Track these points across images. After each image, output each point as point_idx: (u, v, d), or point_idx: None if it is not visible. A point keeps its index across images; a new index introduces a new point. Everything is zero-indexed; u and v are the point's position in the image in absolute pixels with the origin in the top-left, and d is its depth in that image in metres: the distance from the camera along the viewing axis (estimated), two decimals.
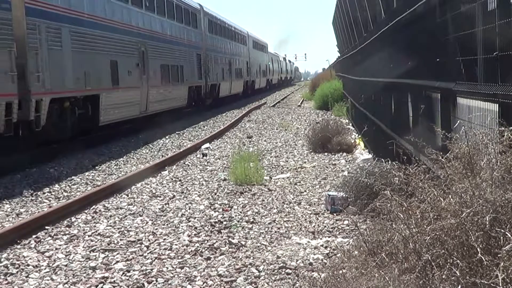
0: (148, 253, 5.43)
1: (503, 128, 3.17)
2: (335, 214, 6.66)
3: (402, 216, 3.34)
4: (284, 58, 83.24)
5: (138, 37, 16.84)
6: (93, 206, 7.49)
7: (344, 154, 11.53)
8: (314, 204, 7.31)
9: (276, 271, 4.84)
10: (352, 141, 12.35)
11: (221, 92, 29.48)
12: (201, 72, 25.05)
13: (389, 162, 6.44)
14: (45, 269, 5.10)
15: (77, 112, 12.92)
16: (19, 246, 5.80)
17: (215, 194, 8.12)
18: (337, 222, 6.36)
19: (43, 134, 11.39)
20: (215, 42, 29.26)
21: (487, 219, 2.79)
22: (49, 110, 11.34)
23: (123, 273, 4.90)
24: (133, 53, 16.49)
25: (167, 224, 6.51)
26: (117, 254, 5.44)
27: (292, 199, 7.65)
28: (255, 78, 43.98)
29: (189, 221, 6.58)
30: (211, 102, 27.34)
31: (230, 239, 5.78)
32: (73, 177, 9.94)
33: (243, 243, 5.67)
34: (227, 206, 7.31)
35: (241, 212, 6.96)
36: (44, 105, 11.11)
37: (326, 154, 11.68)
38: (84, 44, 13.17)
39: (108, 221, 6.74)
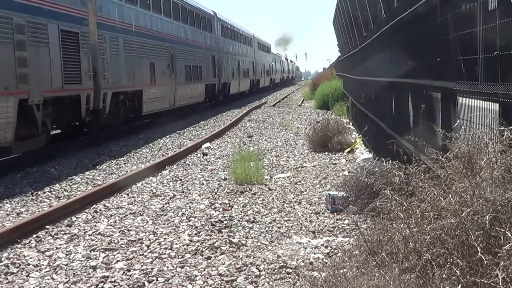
0: (148, 253, 5.44)
1: (503, 128, 3.17)
2: (335, 213, 6.67)
3: (402, 215, 3.34)
4: (286, 58, 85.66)
5: (168, 43, 20.21)
6: (94, 206, 7.49)
7: (345, 153, 11.53)
8: (315, 203, 7.31)
9: (276, 270, 4.84)
10: (353, 141, 12.35)
11: (231, 89, 32.72)
12: (215, 72, 28.33)
13: (390, 161, 6.44)
14: (45, 268, 5.10)
15: (127, 103, 16.34)
16: (19, 246, 5.81)
17: (216, 193, 8.13)
18: (338, 221, 6.36)
19: (105, 120, 14.53)
20: (227, 44, 32.58)
21: (487, 219, 2.80)
22: (110, 101, 14.64)
23: (123, 273, 4.91)
24: (165, 56, 19.78)
25: (167, 224, 6.51)
26: (118, 253, 5.45)
27: (293, 198, 7.65)
28: (260, 77, 46.85)
29: (190, 221, 6.58)
30: (223, 99, 30.53)
31: (230, 238, 5.78)
32: (73, 176, 9.94)
33: (243, 242, 5.68)
34: (228, 205, 7.31)
35: (241, 212, 6.96)
36: (108, 97, 14.45)
37: (326, 153, 11.68)
38: (133, 50, 16.58)
39: (108, 221, 6.74)
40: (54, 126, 13.31)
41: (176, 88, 20.71)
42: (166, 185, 8.95)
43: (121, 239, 5.93)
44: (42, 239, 6.03)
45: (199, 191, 8.35)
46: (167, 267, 5.02)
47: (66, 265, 5.16)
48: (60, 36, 11.90)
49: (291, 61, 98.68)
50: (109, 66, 14.46)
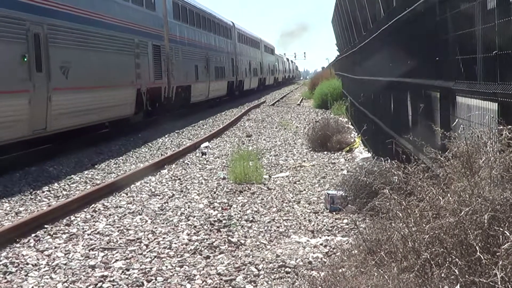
0: (147, 252, 5.44)
1: (501, 127, 3.17)
2: (334, 213, 6.67)
3: (401, 215, 3.34)
4: (287, 59, 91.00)
5: (205, 49, 27.03)
6: (93, 205, 7.49)
7: (344, 153, 11.53)
8: (314, 203, 7.31)
9: (275, 269, 4.84)
10: (352, 140, 12.35)
11: (244, 86, 39.64)
12: (233, 71, 35.11)
13: (388, 161, 6.44)
14: (44, 267, 5.10)
15: (182, 94, 22.23)
16: (18, 245, 5.81)
17: (215, 193, 8.12)
18: (337, 221, 6.36)
19: (171, 105, 20.69)
20: (241, 48, 39.59)
21: (486, 218, 2.80)
22: (175, 92, 20.93)
23: (122, 272, 4.90)
24: (203, 59, 26.41)
25: (166, 223, 6.51)
26: (117, 252, 5.45)
27: (292, 198, 7.65)
28: (266, 76, 53.94)
29: (189, 220, 6.58)
30: (238, 93, 37.01)
31: (229, 237, 5.78)
32: (72, 175, 9.94)
33: (242, 241, 5.68)
34: (227, 205, 7.31)
35: (240, 211, 6.96)
36: (174, 89, 20.81)
37: (325, 153, 11.68)
38: (186, 56, 22.98)
39: (107, 220, 6.74)
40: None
41: (210, 84, 27.28)
42: (165, 185, 8.94)
43: (120, 238, 5.93)
44: (41, 239, 6.03)
45: (198, 191, 8.35)
46: (166, 266, 5.02)
47: (65, 264, 5.16)
48: (152, 48, 18.36)
49: (292, 61, 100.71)
50: (174, 68, 20.82)
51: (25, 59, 10.60)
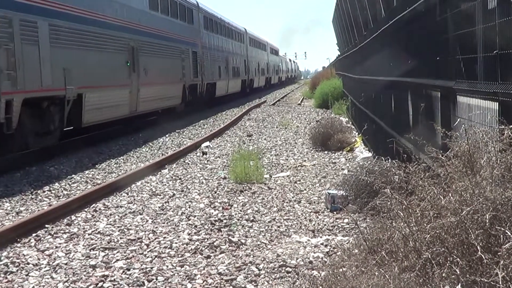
0: (148, 252, 5.44)
1: (503, 126, 3.17)
2: (335, 212, 6.67)
3: (402, 214, 3.34)
4: (290, 59, 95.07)
5: (225, 53, 32.54)
6: (93, 205, 7.49)
7: (344, 152, 11.53)
8: (314, 202, 7.31)
9: (276, 269, 4.84)
10: (353, 140, 12.36)
11: (254, 84, 45.32)
12: (246, 71, 40.58)
13: (389, 160, 6.44)
14: (45, 267, 5.10)
15: (210, 90, 27.22)
16: (19, 245, 5.81)
17: (215, 192, 8.12)
18: (337, 220, 6.36)
19: (202, 99, 25.49)
20: (251, 51, 45.17)
21: (487, 217, 2.79)
22: (205, 88, 26.05)
23: (123, 272, 4.90)
24: (224, 61, 31.81)
25: (167, 223, 6.51)
26: (117, 252, 5.45)
27: (292, 197, 7.65)
28: (271, 75, 59.61)
29: (189, 220, 6.58)
30: (249, 91, 41.83)
31: (230, 237, 5.78)
32: (73, 175, 9.94)
33: (243, 241, 5.68)
34: (227, 204, 7.31)
35: (241, 211, 6.96)
36: (205, 85, 25.84)
37: (326, 152, 11.68)
38: (212, 58, 28.21)
39: (108, 220, 6.74)
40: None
41: (229, 81, 32.74)
42: (165, 184, 8.94)
43: (120, 238, 5.93)
44: (42, 238, 6.03)
45: (199, 190, 8.35)
46: (167, 266, 5.02)
47: (66, 264, 5.16)
48: (191, 54, 23.47)
49: (293, 62, 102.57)
50: (205, 68, 25.76)
51: (128, 64, 15.93)
